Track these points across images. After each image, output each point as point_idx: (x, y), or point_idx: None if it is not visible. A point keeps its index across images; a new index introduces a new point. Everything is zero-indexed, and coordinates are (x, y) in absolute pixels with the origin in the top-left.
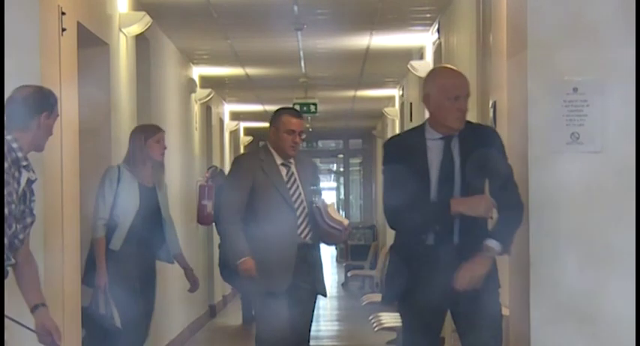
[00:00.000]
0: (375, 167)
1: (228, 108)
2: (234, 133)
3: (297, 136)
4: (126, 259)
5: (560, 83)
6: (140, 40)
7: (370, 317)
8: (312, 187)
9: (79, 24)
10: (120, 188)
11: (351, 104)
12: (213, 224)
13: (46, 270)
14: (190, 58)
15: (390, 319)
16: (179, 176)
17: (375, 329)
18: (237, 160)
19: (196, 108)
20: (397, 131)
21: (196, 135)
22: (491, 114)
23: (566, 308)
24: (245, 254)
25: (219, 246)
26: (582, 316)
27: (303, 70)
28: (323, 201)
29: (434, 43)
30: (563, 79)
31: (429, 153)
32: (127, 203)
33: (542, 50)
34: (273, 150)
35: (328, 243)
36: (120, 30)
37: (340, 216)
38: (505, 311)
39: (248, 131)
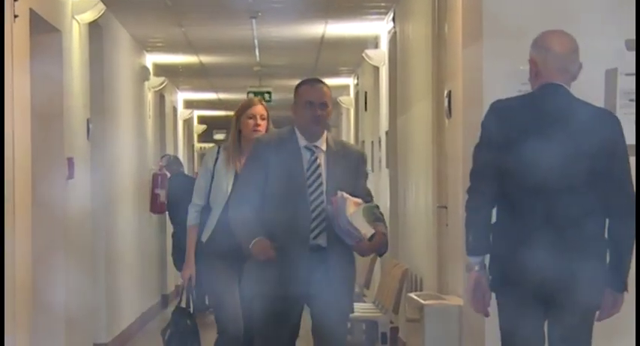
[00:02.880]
0: None
1: (181, 96)
2: (188, 122)
3: (318, 108)
4: (212, 253)
5: (516, 73)
6: (93, 27)
7: None
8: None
9: (31, 10)
10: (215, 172)
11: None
12: (167, 213)
13: None
14: (144, 45)
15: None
16: (132, 164)
17: None
18: (255, 141)
19: (150, 97)
20: (352, 121)
21: (150, 123)
22: (446, 104)
23: None
24: (256, 234)
25: (173, 235)
26: None
27: (258, 59)
28: (343, 198)
29: (389, 32)
30: (519, 68)
31: None
32: (218, 190)
33: (497, 39)
34: (297, 130)
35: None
36: (73, 17)
37: (364, 222)
38: (459, 302)
39: (202, 119)
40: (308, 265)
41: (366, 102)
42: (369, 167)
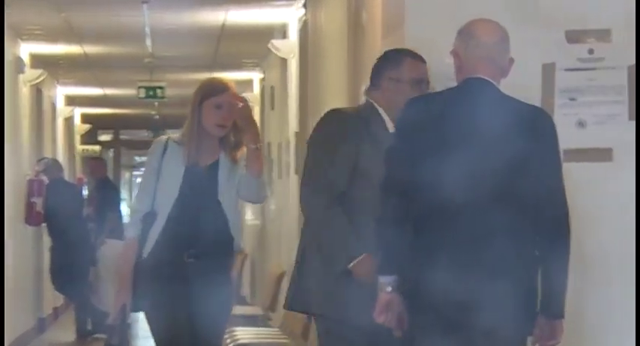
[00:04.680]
0: None
1: (62, 91)
2: (69, 120)
3: (425, 88)
4: (153, 272)
5: (441, 67)
6: None
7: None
8: None
9: None
10: (161, 170)
11: None
12: (44, 224)
13: None
14: (18, 33)
15: (246, 334)
16: (4, 169)
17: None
18: (331, 118)
19: (25, 92)
20: (257, 120)
21: (25, 122)
22: (363, 101)
23: None
24: (358, 251)
25: (51, 250)
26: None
27: (150, 49)
28: None
29: (299, 20)
30: (444, 62)
31: None
32: (164, 192)
33: (420, 29)
34: (383, 112)
35: None
36: None
37: None
38: None
39: (85, 118)
40: None
41: (272, 100)
42: (274, 173)
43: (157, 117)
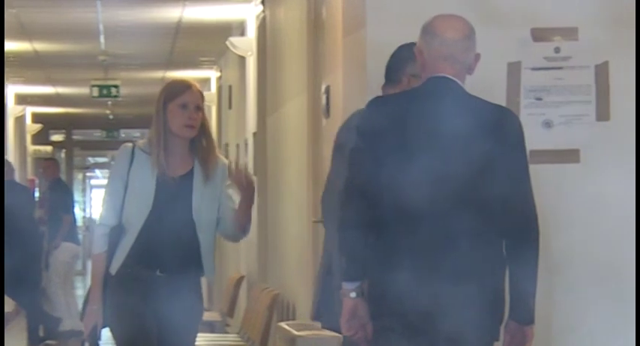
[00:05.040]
0: None
1: (12, 90)
2: (20, 120)
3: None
4: (122, 289)
5: None
6: None
7: None
8: None
9: None
10: (130, 180)
11: (160, 87)
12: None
13: None
14: None
15: (204, 340)
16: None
17: None
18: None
19: None
20: (213, 121)
21: None
22: (324, 101)
23: None
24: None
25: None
26: None
27: (103, 47)
28: None
29: (257, 17)
30: None
31: None
32: (134, 204)
33: (382, 27)
34: None
35: None
36: None
37: None
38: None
39: (37, 118)
40: None
41: (230, 99)
42: None
43: (111, 116)
